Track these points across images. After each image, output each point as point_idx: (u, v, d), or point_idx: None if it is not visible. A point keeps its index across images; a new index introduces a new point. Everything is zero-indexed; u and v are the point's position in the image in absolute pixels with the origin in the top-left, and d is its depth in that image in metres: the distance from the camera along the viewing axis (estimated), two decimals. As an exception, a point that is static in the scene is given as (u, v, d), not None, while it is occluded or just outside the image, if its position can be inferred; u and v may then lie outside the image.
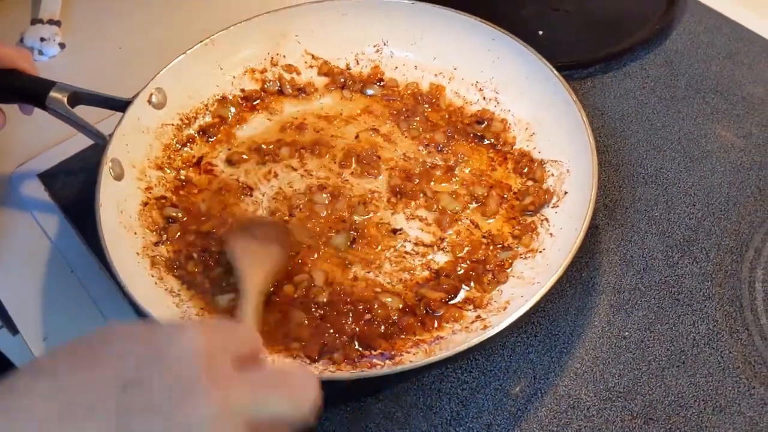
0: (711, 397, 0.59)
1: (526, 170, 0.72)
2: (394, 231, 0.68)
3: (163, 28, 0.91)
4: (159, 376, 0.34)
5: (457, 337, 0.61)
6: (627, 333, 0.63)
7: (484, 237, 0.68)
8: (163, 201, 0.70)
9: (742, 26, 0.86)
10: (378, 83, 0.80)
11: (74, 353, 0.36)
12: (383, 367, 0.59)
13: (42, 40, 0.88)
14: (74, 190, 0.75)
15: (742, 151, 0.75)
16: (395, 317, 0.63)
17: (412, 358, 0.59)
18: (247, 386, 0.36)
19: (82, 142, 0.77)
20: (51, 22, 0.90)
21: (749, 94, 0.80)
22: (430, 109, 0.78)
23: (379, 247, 0.67)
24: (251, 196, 0.72)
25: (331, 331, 0.62)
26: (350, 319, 0.63)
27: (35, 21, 0.90)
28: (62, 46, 0.89)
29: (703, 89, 0.81)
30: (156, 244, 0.67)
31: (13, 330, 1.15)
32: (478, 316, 0.62)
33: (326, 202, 0.70)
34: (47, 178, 0.76)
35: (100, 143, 0.68)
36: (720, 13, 0.88)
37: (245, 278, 0.61)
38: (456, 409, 0.59)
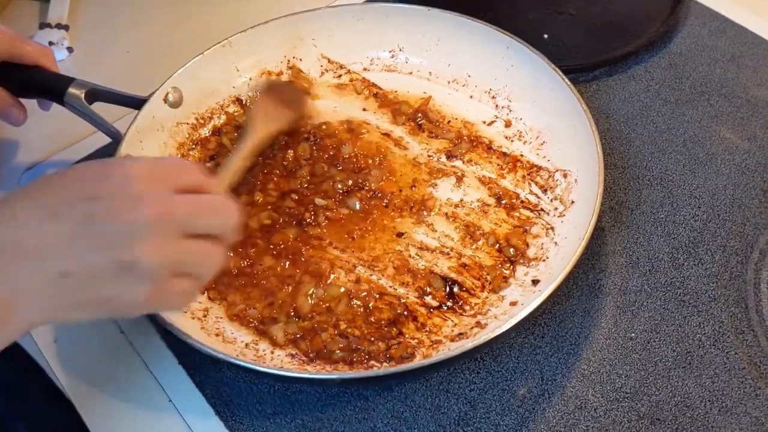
0: (717, 397, 0.60)
1: (535, 178, 0.72)
2: (399, 234, 0.69)
3: (171, 32, 0.92)
4: (112, 191, 0.45)
5: (455, 342, 0.61)
6: (633, 334, 0.64)
7: (488, 244, 0.68)
8: None
9: (746, 29, 0.87)
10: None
11: (49, 182, 0.47)
12: (380, 368, 0.60)
13: (50, 44, 0.88)
14: (83, 192, 0.75)
15: (747, 153, 0.76)
16: (395, 319, 0.63)
17: (408, 361, 0.60)
18: (182, 206, 0.47)
19: (91, 145, 0.78)
20: (59, 26, 0.91)
21: (753, 97, 0.80)
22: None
23: (383, 250, 0.68)
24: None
25: (330, 330, 0.62)
26: (350, 320, 0.63)
27: (43, 25, 0.91)
28: (70, 50, 0.90)
29: (707, 92, 0.81)
30: None
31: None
32: (478, 322, 0.63)
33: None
34: (56, 181, 0.77)
35: (115, 140, 0.69)
36: (724, 16, 0.88)
37: (249, 129, 0.71)
38: (464, 409, 0.60)
